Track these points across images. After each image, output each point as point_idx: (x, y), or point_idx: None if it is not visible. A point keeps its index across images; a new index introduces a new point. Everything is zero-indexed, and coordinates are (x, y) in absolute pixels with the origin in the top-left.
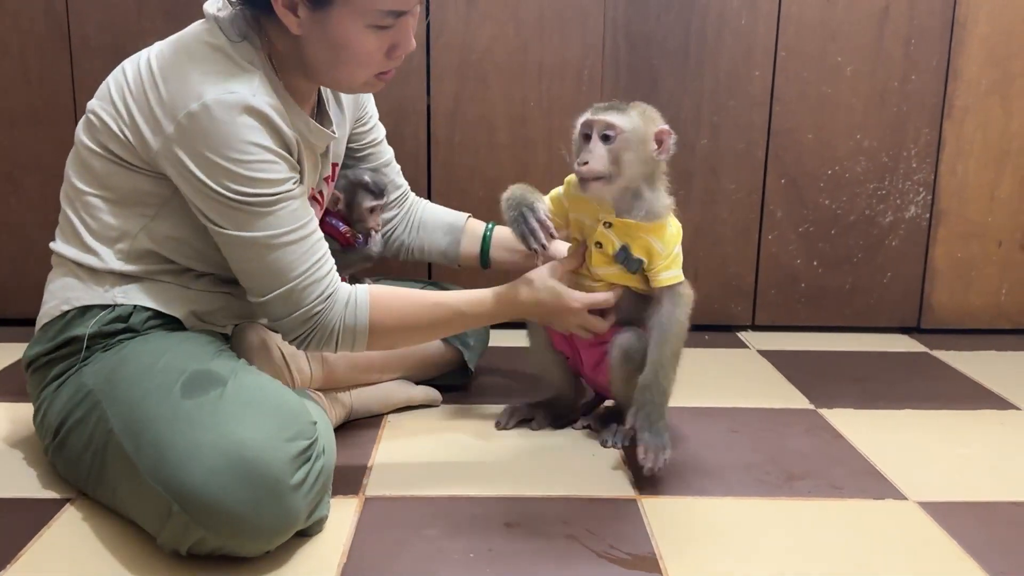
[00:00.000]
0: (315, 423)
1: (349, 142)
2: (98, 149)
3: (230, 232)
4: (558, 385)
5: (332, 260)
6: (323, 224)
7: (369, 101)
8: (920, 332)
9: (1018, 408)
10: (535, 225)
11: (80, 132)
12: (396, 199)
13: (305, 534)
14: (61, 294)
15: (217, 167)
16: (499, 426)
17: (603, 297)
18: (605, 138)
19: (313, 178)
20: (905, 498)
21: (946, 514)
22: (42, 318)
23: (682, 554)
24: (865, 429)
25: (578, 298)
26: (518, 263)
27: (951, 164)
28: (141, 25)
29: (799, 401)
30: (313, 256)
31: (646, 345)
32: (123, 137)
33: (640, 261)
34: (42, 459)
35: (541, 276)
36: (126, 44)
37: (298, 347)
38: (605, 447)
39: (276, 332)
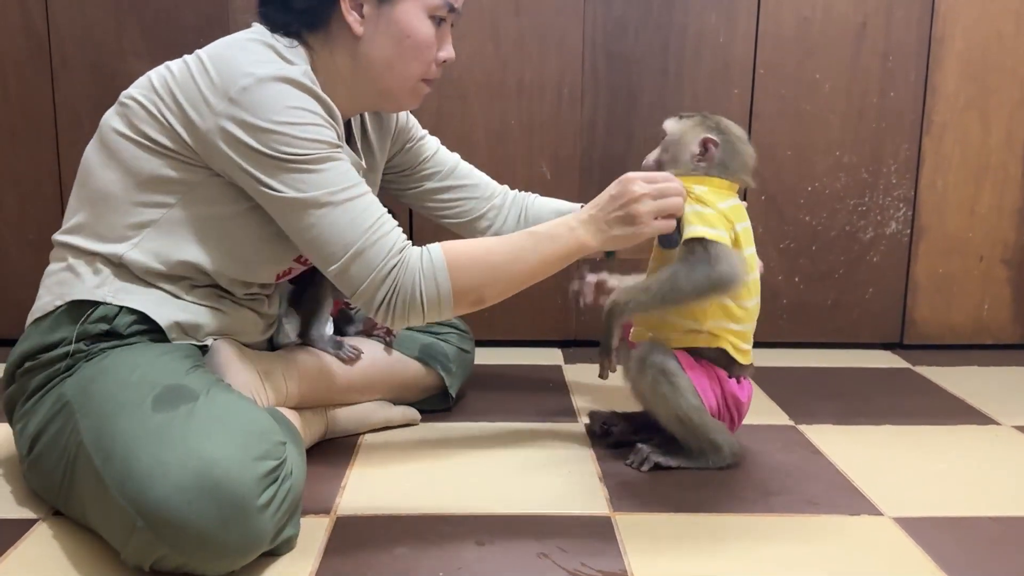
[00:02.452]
0: (284, 443)
1: (406, 169)
2: (129, 132)
3: (287, 195)
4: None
5: (394, 220)
6: None
7: (415, 125)
8: (903, 348)
9: (998, 423)
10: None
11: (110, 118)
12: (477, 194)
13: (274, 553)
14: (56, 289)
15: (267, 132)
16: (592, 434)
17: (670, 182)
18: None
19: None
20: (881, 514)
21: (921, 529)
22: (34, 312)
23: (654, 571)
24: (843, 445)
25: (639, 175)
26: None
27: (931, 179)
28: (121, 44)
29: (779, 417)
30: (374, 213)
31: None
32: (163, 120)
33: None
34: (13, 478)
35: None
36: (106, 63)
37: (385, 320)
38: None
39: (361, 308)
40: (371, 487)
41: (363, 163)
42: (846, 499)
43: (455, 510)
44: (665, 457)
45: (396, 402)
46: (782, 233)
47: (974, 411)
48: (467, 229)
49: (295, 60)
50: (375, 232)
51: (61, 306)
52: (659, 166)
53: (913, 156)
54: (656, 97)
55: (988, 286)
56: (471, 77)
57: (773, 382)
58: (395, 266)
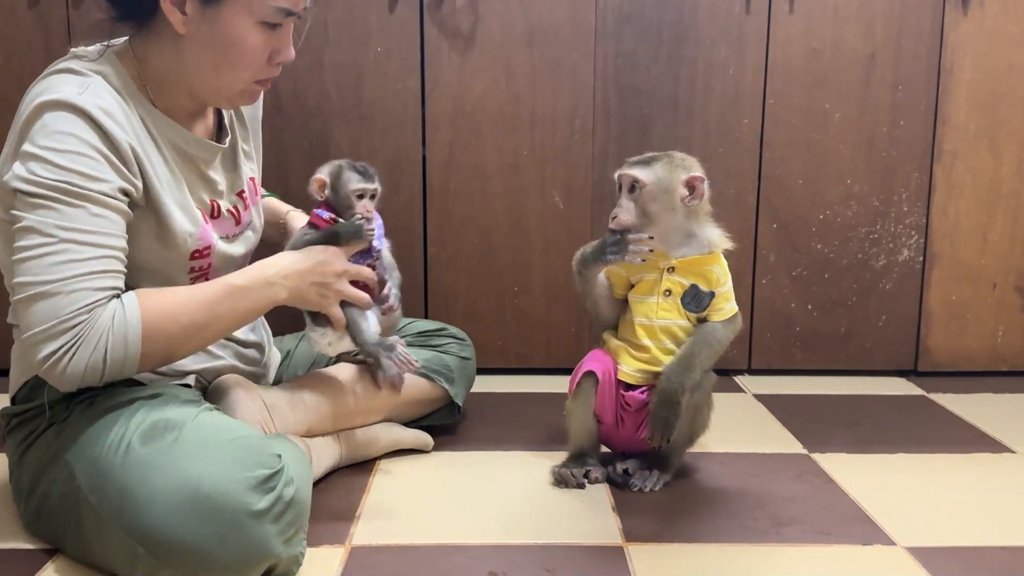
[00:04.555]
0: (279, 455)
1: None
2: (3, 215)
3: (25, 220)
4: (584, 443)
5: (121, 287)
6: (310, 215)
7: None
8: (917, 375)
9: (1013, 452)
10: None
11: None
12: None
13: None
14: (19, 365)
15: (30, 156)
16: (569, 484)
17: (369, 273)
18: (632, 190)
19: (212, 190)
20: (893, 543)
21: (934, 559)
22: (11, 388)
23: None
24: (857, 474)
25: (346, 264)
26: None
27: (942, 207)
28: None
29: (792, 446)
30: (99, 265)
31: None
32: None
33: (711, 294)
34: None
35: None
36: None
37: (53, 367)
38: (633, 490)
39: (27, 347)
40: (385, 517)
41: (226, 144)
42: (859, 529)
43: (468, 540)
44: (661, 474)
45: (404, 421)
46: (794, 261)
47: (989, 439)
48: None
49: (86, 72)
50: (83, 281)
51: (28, 381)
52: (643, 220)
53: (924, 184)
54: (667, 128)
55: (1002, 313)
56: (484, 110)
57: (786, 410)
58: (82, 322)
